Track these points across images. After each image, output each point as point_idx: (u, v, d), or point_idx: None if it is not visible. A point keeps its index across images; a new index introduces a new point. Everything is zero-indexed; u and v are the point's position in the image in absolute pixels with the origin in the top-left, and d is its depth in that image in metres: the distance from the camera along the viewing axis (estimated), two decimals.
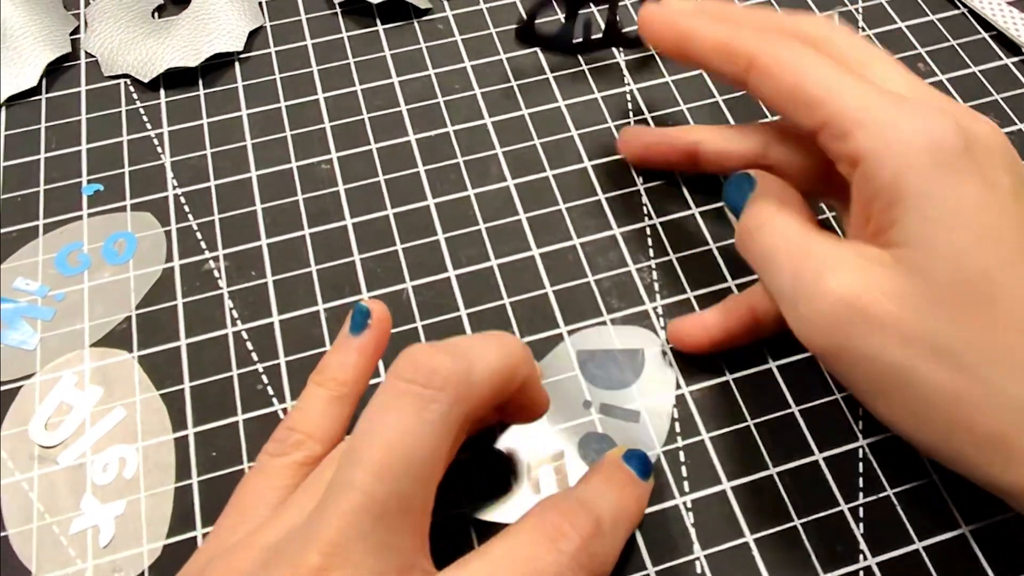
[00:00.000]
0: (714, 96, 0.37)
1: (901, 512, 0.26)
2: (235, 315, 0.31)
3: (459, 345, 0.22)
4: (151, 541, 0.26)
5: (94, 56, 0.38)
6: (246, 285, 0.31)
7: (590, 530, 0.21)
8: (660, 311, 0.31)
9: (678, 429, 0.28)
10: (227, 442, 0.28)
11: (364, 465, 0.19)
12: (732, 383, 0.29)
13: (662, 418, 0.28)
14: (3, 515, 0.26)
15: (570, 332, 0.30)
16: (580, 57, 0.38)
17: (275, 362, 0.29)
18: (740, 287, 0.31)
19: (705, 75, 0.38)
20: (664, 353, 0.30)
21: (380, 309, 0.25)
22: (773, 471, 0.27)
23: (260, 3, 0.40)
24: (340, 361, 0.25)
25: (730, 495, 0.27)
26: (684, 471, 0.27)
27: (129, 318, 0.30)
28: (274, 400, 0.29)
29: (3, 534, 0.26)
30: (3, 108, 0.36)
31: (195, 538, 0.26)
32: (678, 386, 0.29)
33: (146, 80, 0.36)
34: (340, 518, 0.19)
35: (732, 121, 0.36)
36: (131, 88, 0.37)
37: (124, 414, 0.28)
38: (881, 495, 0.27)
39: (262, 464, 0.24)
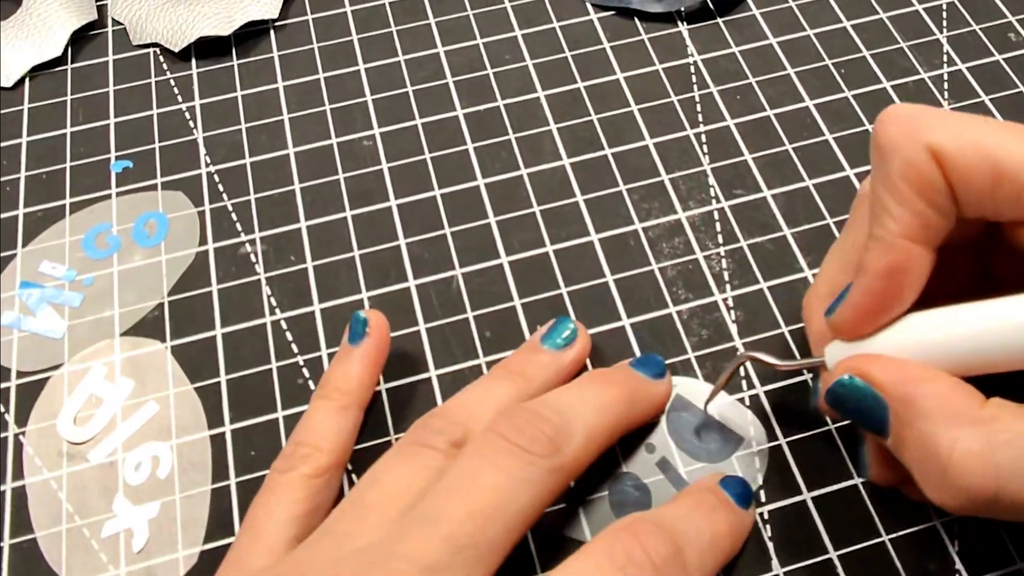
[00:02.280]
0: (785, 68, 0.34)
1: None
2: (273, 303, 0.29)
3: (559, 406, 0.22)
4: (187, 547, 0.24)
5: (122, 24, 0.35)
6: (285, 270, 0.29)
7: (667, 556, 0.19)
8: (731, 303, 0.28)
9: None
10: (267, 440, 0.26)
11: (457, 502, 0.19)
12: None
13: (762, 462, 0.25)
14: (31, 516, 0.25)
15: (633, 325, 0.28)
16: (640, 25, 0.35)
17: (317, 354, 0.27)
18: (811, 264, 0.29)
19: (775, 46, 0.35)
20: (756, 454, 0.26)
21: (377, 317, 0.25)
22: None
23: None
24: (342, 372, 0.25)
25: None
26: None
27: (161, 305, 0.28)
28: None
29: (32, 536, 0.24)
30: (27, 79, 0.34)
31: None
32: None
33: (176, 49, 0.34)
34: (428, 543, 0.18)
35: (806, 94, 0.33)
36: (161, 58, 0.35)
37: (157, 409, 0.26)
38: None
39: (271, 481, 0.23)
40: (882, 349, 0.20)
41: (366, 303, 0.28)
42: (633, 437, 0.25)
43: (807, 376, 0.27)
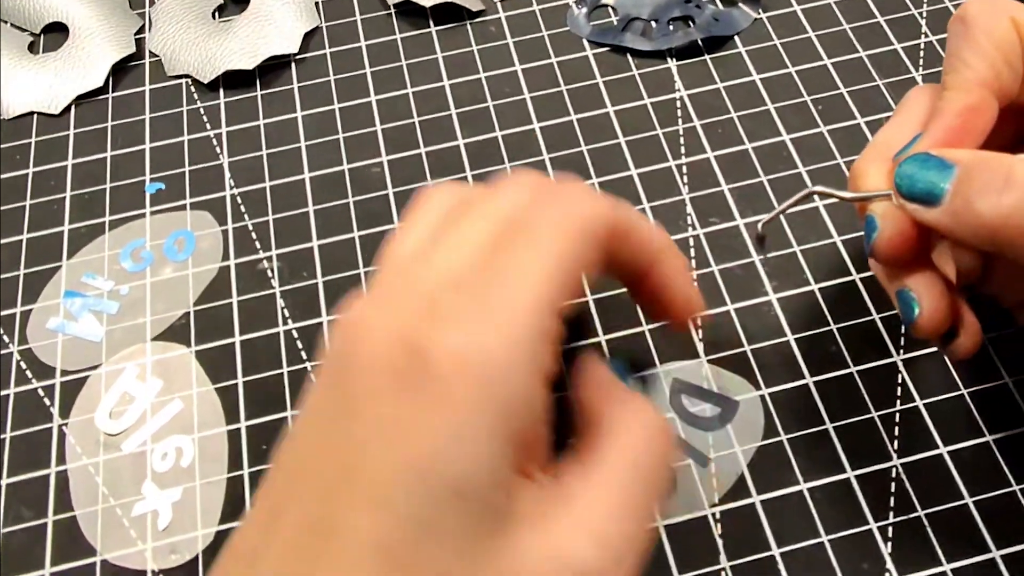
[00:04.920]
0: (765, 104, 0.37)
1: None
2: (287, 314, 0.32)
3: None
4: (205, 527, 0.28)
5: (157, 56, 0.39)
6: (297, 285, 0.32)
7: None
8: (698, 322, 0.31)
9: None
10: (277, 436, 0.29)
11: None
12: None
13: (730, 475, 0.28)
14: (72, 497, 0.28)
15: (608, 341, 0.31)
16: (632, 61, 0.38)
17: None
18: (780, 301, 0.31)
19: (758, 82, 0.37)
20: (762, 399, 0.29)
21: None
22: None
23: (316, 3, 0.41)
24: None
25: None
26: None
27: (188, 314, 0.32)
28: None
29: (72, 514, 0.28)
30: (72, 107, 0.38)
31: None
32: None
33: (206, 81, 0.38)
34: None
35: (783, 128, 0.36)
36: (192, 88, 0.38)
37: (181, 406, 0.30)
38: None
39: None
40: None
41: None
42: None
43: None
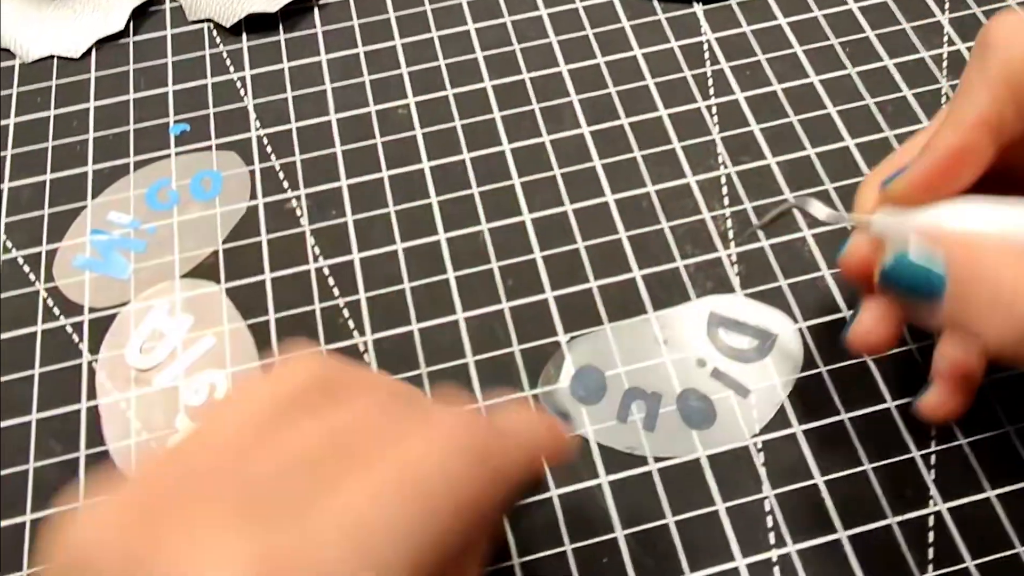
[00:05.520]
0: (793, 46, 0.36)
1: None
2: (316, 252, 0.31)
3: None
4: None
5: (178, 1, 0.39)
6: (327, 224, 0.32)
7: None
8: (734, 258, 0.31)
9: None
10: None
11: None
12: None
13: (769, 405, 0.28)
14: (103, 432, 0.28)
15: (644, 277, 0.30)
16: (657, 6, 0.38)
17: (355, 297, 0.30)
18: (815, 238, 0.31)
19: (784, 26, 0.37)
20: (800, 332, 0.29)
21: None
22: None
23: None
24: None
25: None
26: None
27: (216, 252, 0.32)
28: (355, 333, 0.30)
29: (104, 448, 0.28)
30: (93, 50, 0.37)
31: None
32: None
33: (228, 25, 0.37)
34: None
35: (812, 70, 0.36)
36: (214, 33, 0.38)
37: (213, 342, 0.30)
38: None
39: None
40: (930, 218, 0.22)
41: (401, 254, 0.31)
42: (682, 355, 0.29)
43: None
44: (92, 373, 0.29)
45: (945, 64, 0.36)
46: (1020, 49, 0.21)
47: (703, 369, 0.29)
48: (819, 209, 0.25)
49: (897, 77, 0.35)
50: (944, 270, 0.21)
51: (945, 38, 0.37)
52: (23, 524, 0.26)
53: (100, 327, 0.30)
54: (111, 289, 0.31)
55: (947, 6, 0.38)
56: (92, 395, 0.29)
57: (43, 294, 0.31)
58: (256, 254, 0.31)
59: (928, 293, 0.21)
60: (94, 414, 0.28)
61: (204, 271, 0.31)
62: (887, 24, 0.37)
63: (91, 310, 0.30)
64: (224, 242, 0.32)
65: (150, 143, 0.34)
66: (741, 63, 0.36)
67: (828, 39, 0.37)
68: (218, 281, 0.31)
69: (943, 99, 0.35)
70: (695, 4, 0.38)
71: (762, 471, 0.27)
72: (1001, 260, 0.20)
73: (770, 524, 0.26)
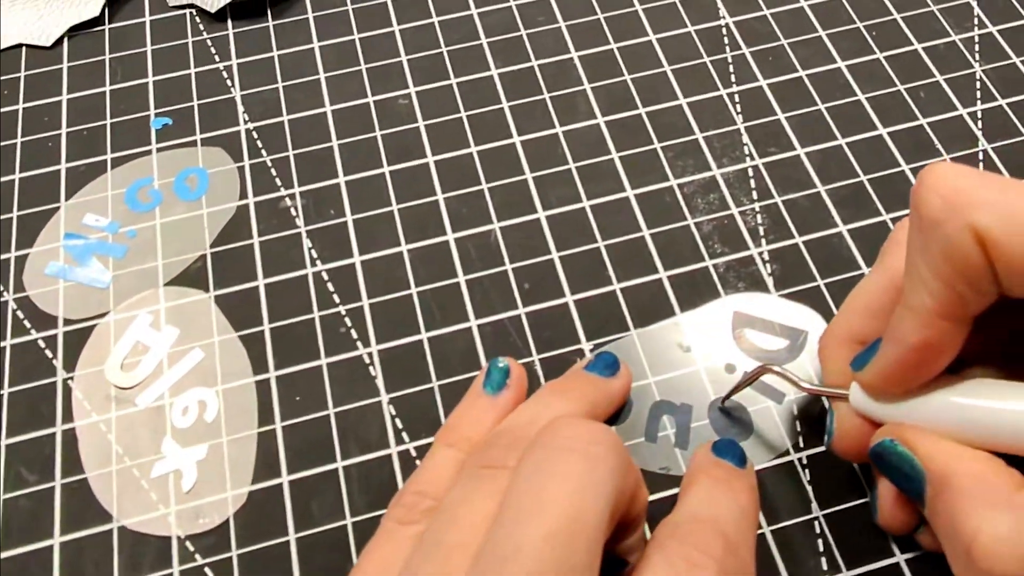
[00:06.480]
0: (817, 30, 0.34)
1: None
2: (314, 255, 0.29)
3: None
4: (235, 487, 0.25)
5: None
6: (325, 224, 0.29)
7: (722, 549, 0.19)
8: (767, 256, 0.29)
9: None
10: (311, 387, 0.26)
11: (534, 527, 0.17)
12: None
13: (811, 411, 0.26)
14: (82, 457, 0.25)
15: (670, 278, 0.28)
16: None
17: (358, 304, 0.28)
18: (852, 232, 0.29)
19: (806, 8, 0.35)
20: None
21: (518, 370, 0.25)
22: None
23: None
24: (474, 419, 0.23)
25: None
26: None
27: (204, 256, 0.29)
28: (359, 344, 0.27)
29: (83, 476, 0.25)
30: (65, 39, 0.34)
31: (281, 485, 0.25)
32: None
33: (212, 10, 0.35)
34: None
35: (838, 55, 0.33)
36: (197, 19, 0.35)
37: (202, 356, 0.27)
38: None
39: (389, 531, 0.21)
40: (910, 411, 0.20)
41: (406, 256, 0.29)
42: (713, 364, 0.27)
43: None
44: (68, 392, 0.26)
45: (977, 48, 0.34)
46: (957, 228, 0.18)
47: (732, 376, 0.26)
48: (798, 381, 0.23)
49: (928, 61, 0.33)
50: (924, 477, 0.19)
51: (976, 20, 0.35)
52: None
53: (76, 341, 0.27)
54: (88, 299, 0.28)
55: None
56: (68, 417, 0.26)
57: (12, 305, 0.28)
58: (248, 258, 0.29)
59: (908, 489, 0.20)
60: (70, 438, 0.26)
61: (190, 278, 0.28)
62: (914, 7, 0.35)
63: (66, 322, 0.28)
64: (212, 246, 0.29)
65: (129, 139, 0.32)
66: (763, 48, 0.34)
67: (854, 22, 0.35)
68: (206, 289, 0.28)
69: (977, 83, 0.33)
70: None
71: (809, 489, 0.24)
72: (971, 495, 0.18)
73: (821, 548, 0.24)
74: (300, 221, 0.30)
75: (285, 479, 0.25)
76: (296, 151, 0.31)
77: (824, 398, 0.23)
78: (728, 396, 0.25)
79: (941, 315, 0.19)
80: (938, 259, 0.18)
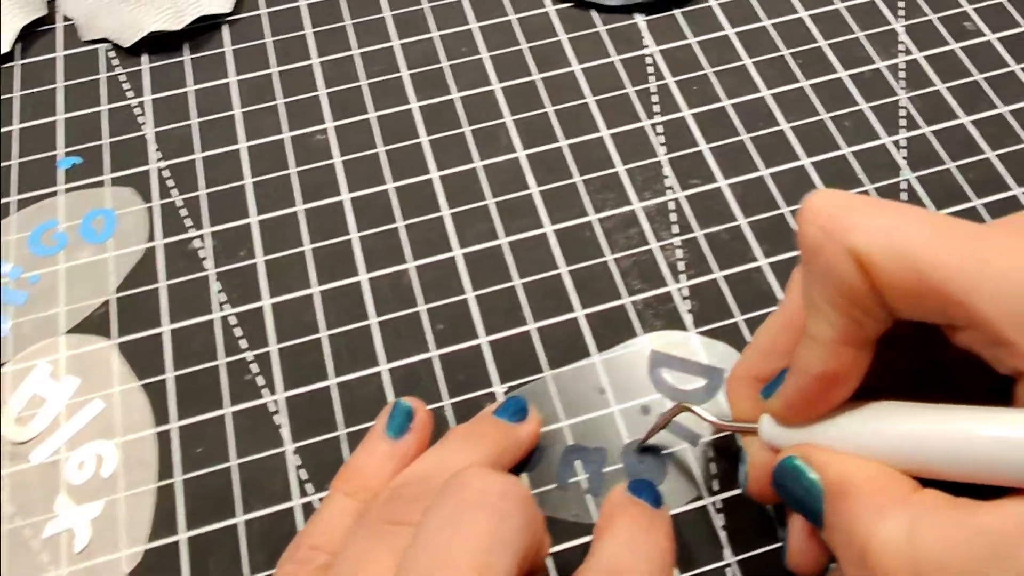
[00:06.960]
0: (742, 59, 0.34)
1: None
2: (223, 298, 0.28)
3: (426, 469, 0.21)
4: (131, 545, 0.24)
5: (71, 20, 0.35)
6: (235, 266, 0.29)
7: None
8: (686, 292, 0.28)
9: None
10: (213, 437, 0.25)
11: None
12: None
13: (727, 455, 0.25)
14: None
15: (587, 316, 0.28)
16: (596, 17, 0.35)
17: (265, 349, 0.27)
18: (772, 266, 0.29)
19: (732, 36, 0.35)
20: None
21: (423, 412, 0.24)
22: None
23: None
24: (376, 467, 0.23)
25: None
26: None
27: (108, 302, 0.28)
28: (264, 391, 0.26)
29: None
30: None
31: (177, 542, 0.24)
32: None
33: (126, 45, 0.34)
34: None
35: (763, 84, 0.33)
36: (110, 54, 0.34)
37: (102, 407, 0.26)
38: None
39: None
40: (814, 436, 0.20)
41: (317, 297, 0.28)
42: (628, 406, 0.26)
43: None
44: None
45: (903, 75, 0.34)
46: (836, 253, 0.17)
47: (647, 417, 0.26)
48: (709, 417, 0.23)
49: (853, 89, 0.33)
50: (821, 493, 0.19)
51: (901, 47, 0.35)
52: None
53: None
54: None
55: (901, 14, 0.35)
56: None
57: None
58: (153, 303, 0.28)
59: (807, 510, 0.19)
60: None
61: (93, 324, 0.28)
62: (840, 33, 0.35)
63: None
64: (117, 291, 0.28)
65: (35, 179, 0.31)
66: (687, 77, 0.34)
67: (779, 50, 0.34)
68: (109, 336, 0.27)
69: (900, 111, 0.33)
70: (636, 15, 0.35)
71: (722, 534, 0.24)
72: (866, 500, 0.18)
73: None
74: (209, 263, 0.29)
75: (183, 535, 0.24)
76: (208, 190, 0.30)
77: (737, 438, 0.23)
78: (646, 439, 0.25)
79: (841, 342, 0.18)
80: (827, 287, 0.18)
